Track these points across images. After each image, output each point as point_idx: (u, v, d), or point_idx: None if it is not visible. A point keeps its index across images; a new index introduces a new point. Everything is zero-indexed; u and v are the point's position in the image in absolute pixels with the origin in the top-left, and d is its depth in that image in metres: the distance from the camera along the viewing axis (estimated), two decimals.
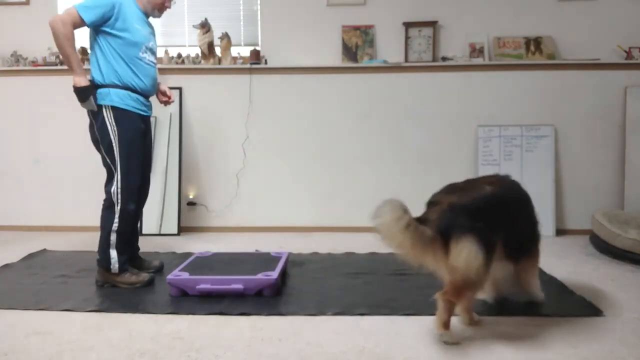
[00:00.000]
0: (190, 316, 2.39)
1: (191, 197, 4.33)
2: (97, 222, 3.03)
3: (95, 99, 2.77)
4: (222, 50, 4.26)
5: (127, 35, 2.78)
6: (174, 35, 4.57)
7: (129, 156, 2.81)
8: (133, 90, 2.83)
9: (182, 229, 4.25)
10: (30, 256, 3.50)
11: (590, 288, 2.74)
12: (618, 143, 4.15)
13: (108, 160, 2.83)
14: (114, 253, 2.81)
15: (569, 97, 4.16)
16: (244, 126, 4.28)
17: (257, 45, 4.45)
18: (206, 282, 2.61)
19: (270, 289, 2.61)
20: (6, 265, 3.26)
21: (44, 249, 3.67)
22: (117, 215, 2.80)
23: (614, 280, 2.92)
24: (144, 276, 2.84)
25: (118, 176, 2.80)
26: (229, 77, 4.29)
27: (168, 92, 3.12)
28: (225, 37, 4.24)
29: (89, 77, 2.80)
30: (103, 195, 2.95)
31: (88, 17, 2.69)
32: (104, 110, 2.77)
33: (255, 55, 4.26)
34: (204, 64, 4.29)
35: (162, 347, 2.07)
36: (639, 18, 4.19)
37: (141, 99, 2.89)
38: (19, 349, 2.07)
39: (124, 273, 2.83)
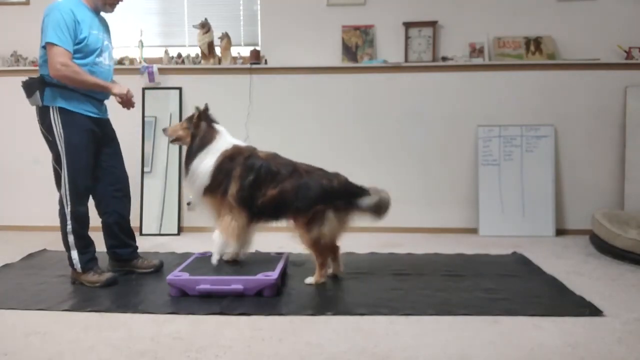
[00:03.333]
0: (190, 316, 2.39)
1: (191, 197, 4.32)
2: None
3: (42, 96, 2.75)
4: (222, 50, 4.26)
5: (85, 45, 2.74)
6: (174, 35, 4.57)
7: (75, 159, 2.79)
8: (86, 94, 2.80)
9: (182, 229, 4.25)
10: (30, 256, 3.50)
11: (590, 288, 2.74)
12: (618, 143, 4.14)
13: (54, 163, 2.84)
14: (74, 254, 2.82)
15: (569, 97, 4.16)
16: (244, 126, 4.27)
17: (257, 45, 4.44)
18: (206, 283, 2.60)
19: (270, 289, 2.61)
20: (6, 265, 3.26)
21: (44, 249, 3.67)
22: (69, 219, 2.80)
23: (614, 280, 2.92)
24: (105, 275, 2.84)
25: (65, 179, 2.79)
26: (229, 77, 4.29)
27: (129, 94, 2.95)
28: (225, 37, 4.24)
29: (40, 71, 2.79)
30: None
31: (70, 46, 2.68)
32: (51, 111, 2.75)
33: (255, 55, 4.25)
34: (204, 64, 4.29)
35: (162, 347, 2.07)
36: (639, 18, 4.18)
37: (94, 102, 2.86)
38: (19, 349, 2.07)
39: (88, 272, 2.83)
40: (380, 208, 2.81)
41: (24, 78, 2.90)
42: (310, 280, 2.83)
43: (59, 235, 2.87)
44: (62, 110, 2.76)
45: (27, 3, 4.43)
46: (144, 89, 4.26)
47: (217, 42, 4.27)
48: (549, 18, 4.24)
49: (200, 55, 4.31)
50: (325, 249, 2.81)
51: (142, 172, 4.23)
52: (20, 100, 4.54)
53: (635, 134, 4.07)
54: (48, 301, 2.59)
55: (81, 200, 2.83)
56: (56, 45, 2.65)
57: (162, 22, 4.58)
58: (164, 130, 3.06)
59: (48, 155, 4.40)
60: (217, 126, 2.97)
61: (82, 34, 2.73)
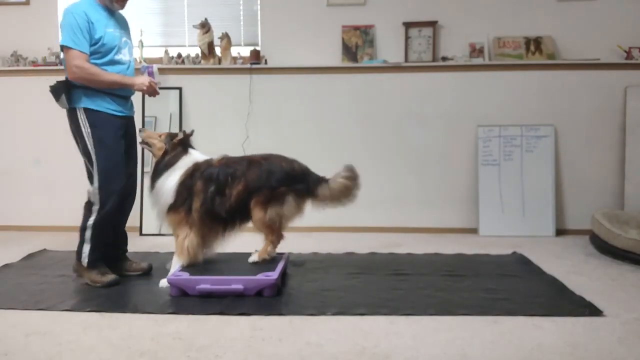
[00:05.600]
0: (190, 316, 2.39)
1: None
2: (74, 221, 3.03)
3: (69, 99, 2.76)
4: (222, 50, 4.26)
5: (102, 44, 2.76)
6: (174, 35, 4.57)
7: (105, 158, 2.80)
8: (109, 92, 2.82)
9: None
10: (30, 256, 3.50)
11: (590, 288, 2.74)
12: (618, 143, 4.14)
13: (86, 162, 2.85)
14: (86, 248, 2.82)
15: (569, 97, 4.16)
16: (244, 126, 4.28)
17: (257, 45, 4.45)
18: (206, 282, 2.60)
19: (270, 289, 2.61)
20: (6, 265, 3.26)
21: (44, 249, 3.67)
22: (94, 214, 2.80)
23: (614, 280, 2.92)
24: (107, 277, 2.82)
25: (96, 177, 2.80)
26: (229, 77, 4.29)
27: (152, 85, 3.00)
28: (225, 37, 4.24)
29: (63, 76, 2.80)
30: None
31: (85, 48, 2.71)
32: (78, 112, 2.77)
33: (255, 55, 4.26)
34: (204, 64, 4.29)
35: (162, 347, 2.07)
36: (639, 18, 4.18)
37: (118, 100, 2.87)
38: (19, 349, 2.07)
39: (93, 270, 2.82)
40: (341, 194, 2.97)
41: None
42: (254, 257, 2.88)
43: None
44: (88, 111, 2.78)
45: (27, 3, 4.43)
46: None
47: (217, 42, 4.27)
48: (549, 18, 4.24)
49: (200, 55, 4.31)
50: (278, 230, 2.90)
51: (142, 172, 4.22)
52: (21, 100, 4.56)
53: (635, 134, 4.07)
54: (48, 301, 2.59)
55: (111, 200, 2.82)
56: (71, 48, 2.69)
57: (162, 22, 4.58)
58: (141, 130, 3.05)
59: (48, 156, 4.43)
60: (190, 150, 2.99)
61: (98, 34, 2.74)
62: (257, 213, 2.85)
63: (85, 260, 2.82)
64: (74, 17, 2.69)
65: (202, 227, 2.84)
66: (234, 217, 2.90)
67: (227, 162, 2.94)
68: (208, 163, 2.94)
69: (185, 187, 2.84)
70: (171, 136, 2.98)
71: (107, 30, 2.79)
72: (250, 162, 2.93)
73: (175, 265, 2.82)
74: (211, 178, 2.86)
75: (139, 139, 3.04)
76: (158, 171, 2.90)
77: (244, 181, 2.85)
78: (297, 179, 2.89)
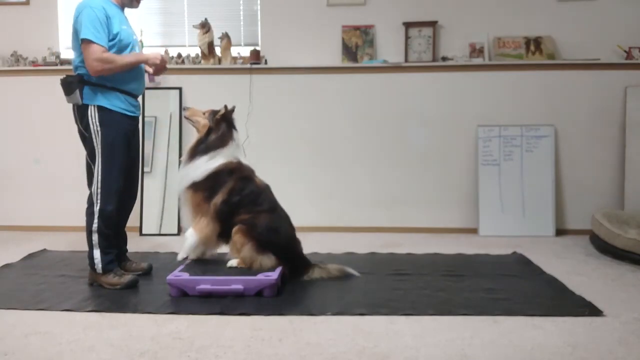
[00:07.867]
0: (190, 316, 2.39)
1: None
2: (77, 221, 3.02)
3: (82, 94, 2.74)
4: (222, 50, 4.26)
5: (119, 40, 2.76)
6: (174, 35, 4.57)
7: (110, 158, 2.78)
8: (123, 91, 2.81)
9: (182, 229, 4.25)
10: (30, 256, 3.50)
11: (590, 288, 2.74)
12: (618, 143, 4.14)
13: (89, 160, 2.83)
14: (97, 253, 2.79)
15: (569, 97, 4.16)
16: (244, 126, 4.27)
17: (257, 45, 4.45)
18: (206, 283, 2.60)
19: (270, 289, 2.61)
20: (6, 265, 3.26)
21: (44, 249, 3.67)
22: (96, 216, 2.78)
23: (614, 280, 2.92)
24: (126, 278, 2.81)
25: (98, 177, 2.78)
26: (229, 77, 4.29)
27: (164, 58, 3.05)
28: (225, 37, 4.25)
29: (78, 71, 2.78)
30: None
31: (105, 42, 2.70)
32: (89, 109, 2.75)
33: (255, 55, 4.26)
34: (204, 64, 4.29)
35: (162, 347, 2.07)
36: (639, 18, 4.18)
37: (130, 99, 2.87)
38: (19, 349, 2.07)
39: (108, 274, 2.80)
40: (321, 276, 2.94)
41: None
42: (233, 262, 2.89)
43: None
44: (101, 109, 2.76)
45: (27, 3, 4.43)
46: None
47: (217, 42, 4.27)
48: (549, 18, 4.24)
49: (200, 55, 4.31)
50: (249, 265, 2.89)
51: (142, 172, 4.23)
52: (20, 100, 4.55)
53: (635, 134, 4.07)
54: (48, 301, 2.59)
55: (111, 200, 2.80)
56: (92, 42, 2.66)
57: (162, 22, 4.58)
58: (185, 108, 3.16)
59: (48, 156, 4.42)
60: (234, 133, 3.06)
61: (115, 29, 2.74)
62: (242, 241, 2.84)
63: (99, 266, 2.79)
64: (93, 11, 2.68)
65: (215, 221, 2.89)
66: (229, 232, 2.91)
67: (260, 189, 2.99)
68: (250, 175, 3.00)
69: (217, 178, 2.90)
70: (214, 113, 3.04)
71: (122, 26, 2.79)
72: (274, 208, 2.97)
73: (189, 240, 2.90)
74: (242, 190, 2.92)
75: (184, 115, 3.14)
76: (200, 150, 2.96)
77: (253, 215, 2.88)
78: (289, 253, 2.90)
